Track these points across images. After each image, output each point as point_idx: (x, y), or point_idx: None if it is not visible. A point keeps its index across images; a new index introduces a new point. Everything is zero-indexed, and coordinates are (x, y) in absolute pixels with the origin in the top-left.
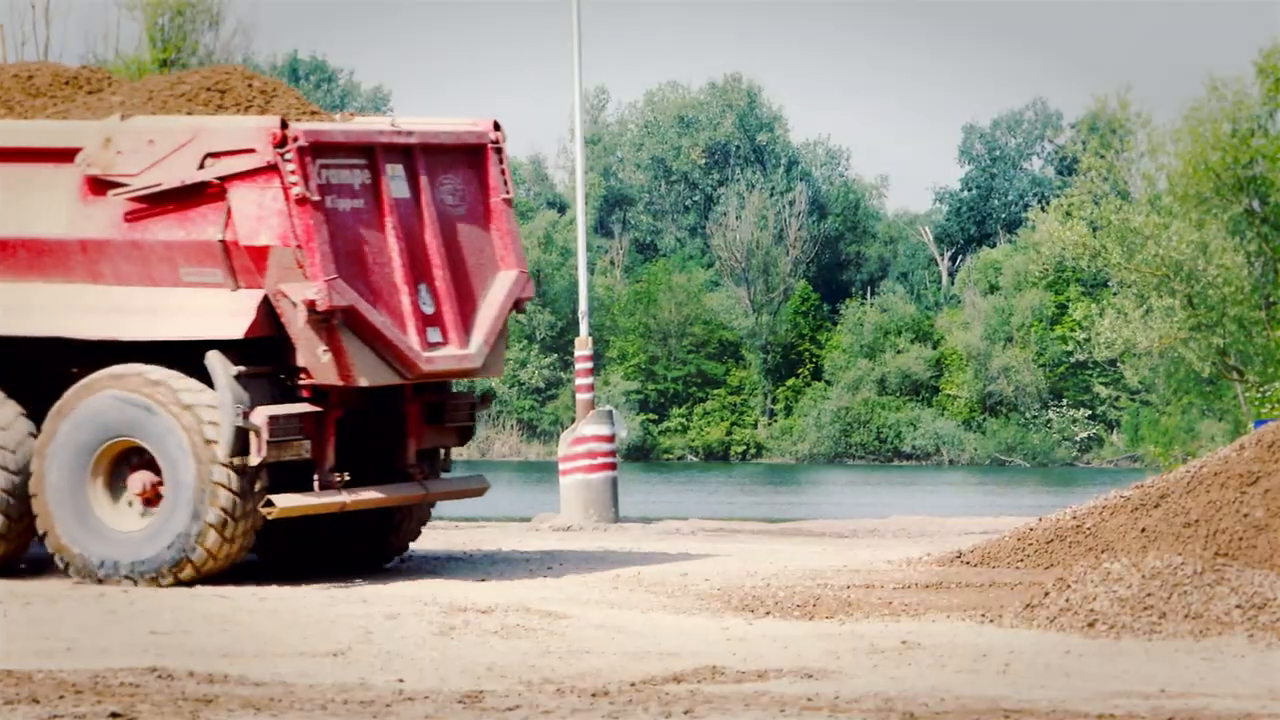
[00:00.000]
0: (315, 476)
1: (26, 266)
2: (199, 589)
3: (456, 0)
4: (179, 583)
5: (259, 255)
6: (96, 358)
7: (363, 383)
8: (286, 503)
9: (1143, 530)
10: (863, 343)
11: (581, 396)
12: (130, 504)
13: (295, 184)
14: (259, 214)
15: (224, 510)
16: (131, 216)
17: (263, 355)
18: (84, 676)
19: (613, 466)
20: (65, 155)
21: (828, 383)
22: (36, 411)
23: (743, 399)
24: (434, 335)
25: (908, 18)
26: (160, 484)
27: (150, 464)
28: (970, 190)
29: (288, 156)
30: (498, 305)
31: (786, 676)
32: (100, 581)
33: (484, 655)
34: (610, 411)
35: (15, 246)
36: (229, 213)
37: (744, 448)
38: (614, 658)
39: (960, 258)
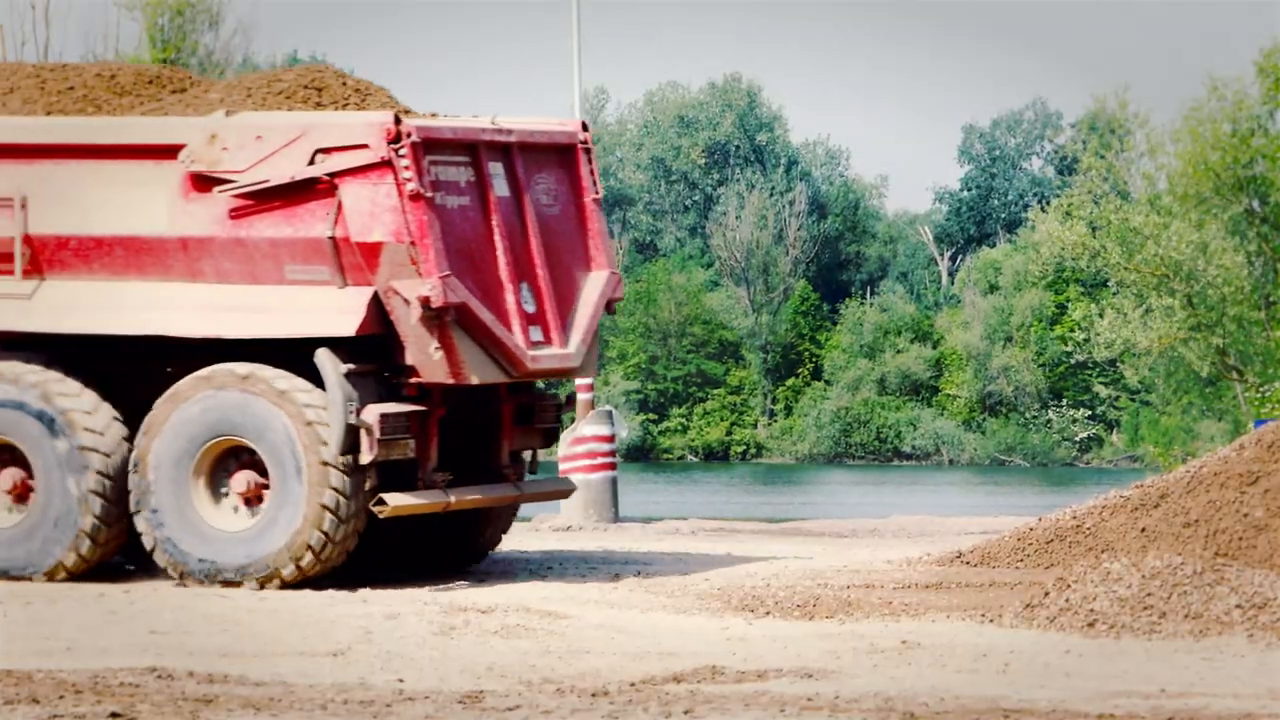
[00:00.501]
0: (419, 476)
1: (124, 265)
2: (199, 589)
3: (456, 0)
4: (284, 585)
5: (371, 252)
6: (195, 357)
7: (473, 381)
8: (398, 501)
9: (1143, 530)
10: (862, 343)
11: (581, 396)
12: (233, 504)
13: (409, 180)
14: (371, 210)
15: (332, 511)
16: (236, 213)
17: (368, 353)
18: (84, 676)
19: (613, 466)
20: (167, 152)
21: (827, 383)
22: (131, 412)
23: (743, 399)
24: (535, 334)
25: (908, 18)
26: (264, 484)
27: (253, 463)
28: (970, 190)
29: (402, 152)
30: (592, 304)
31: (786, 676)
32: (200, 582)
33: (484, 655)
34: (610, 411)
35: (113, 244)
36: (339, 209)
37: (744, 448)
38: (614, 658)
39: (960, 258)
